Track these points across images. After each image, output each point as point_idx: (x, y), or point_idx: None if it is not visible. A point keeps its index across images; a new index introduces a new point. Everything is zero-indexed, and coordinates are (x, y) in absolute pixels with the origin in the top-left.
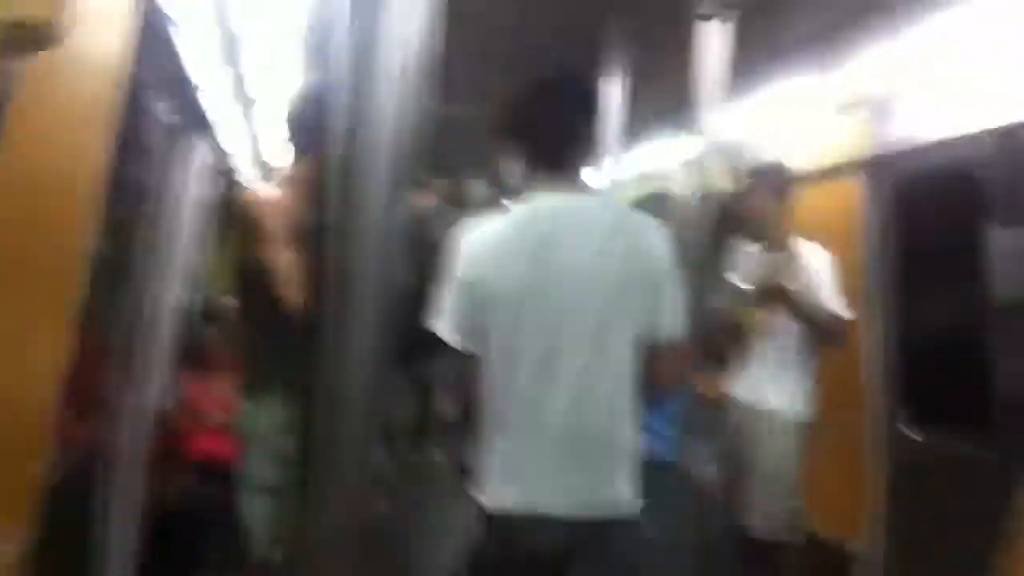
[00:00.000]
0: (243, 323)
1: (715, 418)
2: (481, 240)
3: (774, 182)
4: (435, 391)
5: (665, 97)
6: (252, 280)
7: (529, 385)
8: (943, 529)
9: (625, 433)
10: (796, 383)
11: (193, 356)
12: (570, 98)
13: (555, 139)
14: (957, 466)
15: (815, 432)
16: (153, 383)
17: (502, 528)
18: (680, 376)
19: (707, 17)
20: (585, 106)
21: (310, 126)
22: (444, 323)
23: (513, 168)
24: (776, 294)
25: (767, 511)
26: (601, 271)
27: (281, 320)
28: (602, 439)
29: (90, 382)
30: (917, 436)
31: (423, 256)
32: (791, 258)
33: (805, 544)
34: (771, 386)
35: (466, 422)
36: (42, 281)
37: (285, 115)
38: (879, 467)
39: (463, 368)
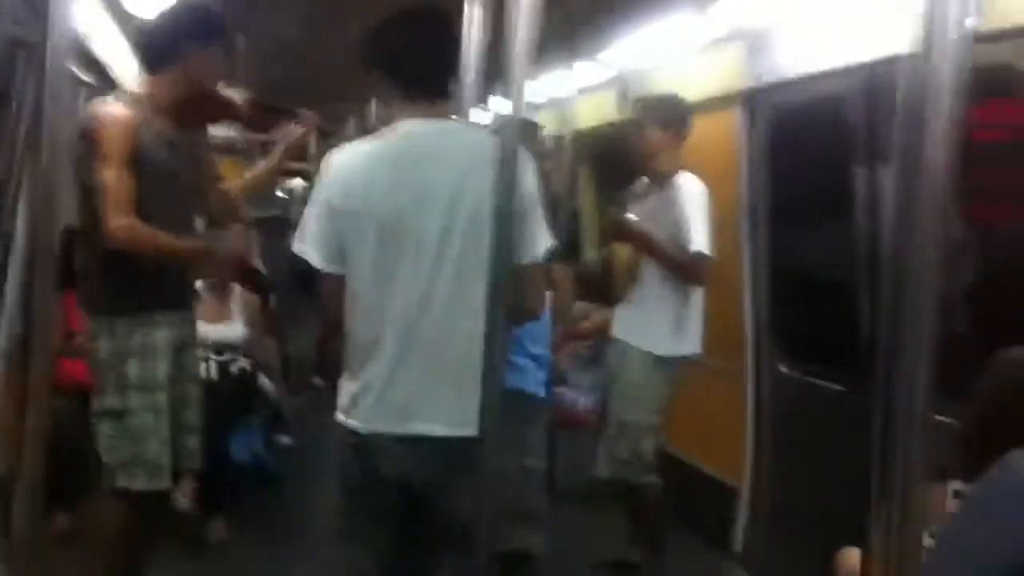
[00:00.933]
0: (81, 244)
1: (598, 353)
2: (346, 163)
3: (664, 116)
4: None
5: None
6: (86, 199)
7: (399, 307)
8: (816, 464)
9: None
10: (671, 321)
11: (64, 276)
12: (434, 28)
13: (422, 67)
14: (828, 402)
15: (697, 370)
16: (12, 304)
17: (374, 449)
18: (539, 299)
19: None
20: (448, 36)
21: (162, 45)
22: (310, 246)
23: (382, 97)
24: (619, 230)
25: (611, 452)
26: (466, 194)
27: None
28: (471, 360)
29: None
30: (791, 372)
31: None
32: (666, 191)
33: (658, 488)
34: (642, 325)
35: (326, 344)
36: None
37: (140, 31)
38: (756, 404)
39: (326, 291)
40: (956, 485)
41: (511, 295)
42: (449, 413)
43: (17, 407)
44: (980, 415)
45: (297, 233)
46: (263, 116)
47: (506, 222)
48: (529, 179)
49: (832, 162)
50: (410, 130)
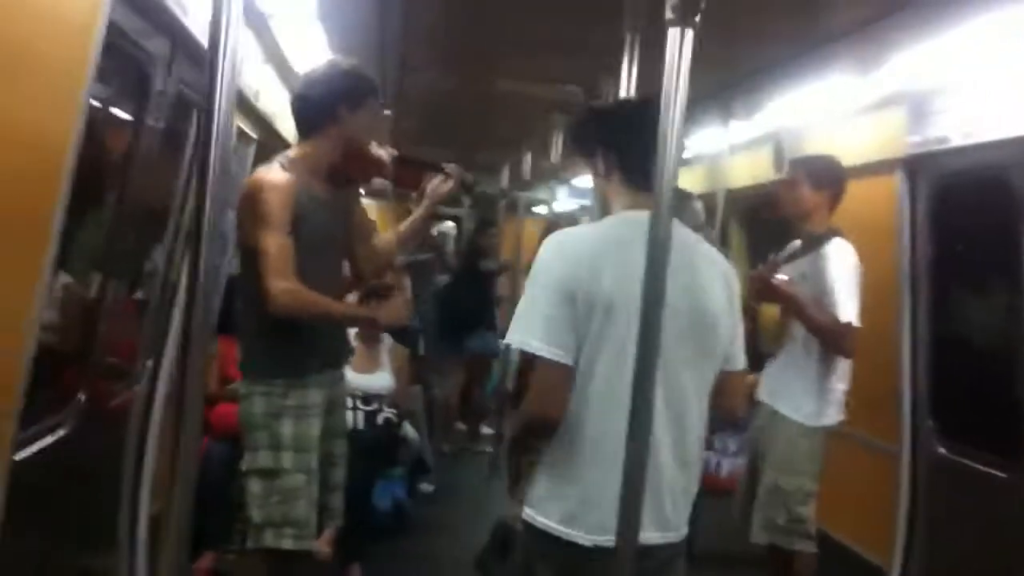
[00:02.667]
0: (243, 303)
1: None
2: (582, 248)
3: (818, 176)
4: (486, 369)
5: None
6: (249, 260)
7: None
8: (969, 549)
9: (699, 462)
10: (815, 387)
11: (224, 322)
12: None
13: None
14: (989, 489)
15: (844, 439)
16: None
17: (598, 562)
18: (745, 404)
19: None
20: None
21: (315, 109)
22: (536, 333)
23: (592, 178)
24: (765, 287)
25: (766, 517)
26: (695, 297)
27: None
28: (684, 467)
29: (113, 342)
30: (946, 450)
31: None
32: (816, 255)
33: (814, 554)
34: (786, 389)
35: (527, 435)
36: (9, 235)
37: (293, 96)
38: (912, 484)
39: (542, 381)
40: None
41: (715, 399)
42: (664, 517)
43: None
44: None
45: (515, 322)
46: (411, 171)
47: (658, 318)
48: (736, 285)
49: (999, 232)
50: (637, 219)
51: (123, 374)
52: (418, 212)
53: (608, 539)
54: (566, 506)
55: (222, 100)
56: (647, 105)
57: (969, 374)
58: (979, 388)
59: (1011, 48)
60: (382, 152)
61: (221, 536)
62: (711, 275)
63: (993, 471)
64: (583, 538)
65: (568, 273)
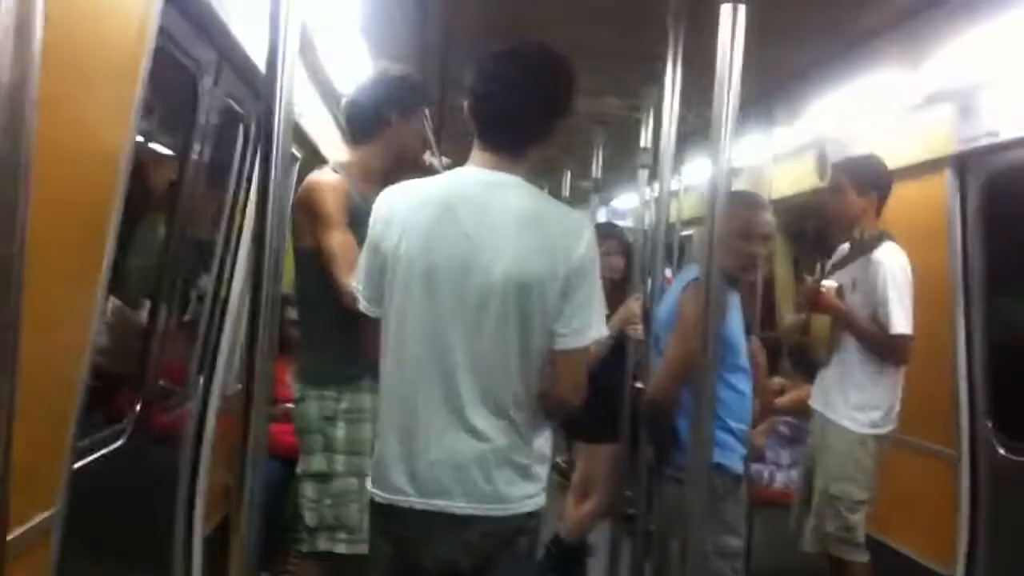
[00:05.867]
0: (299, 308)
1: (797, 428)
2: (394, 202)
3: (861, 178)
4: None
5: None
6: (306, 264)
7: (415, 366)
8: None
9: (527, 432)
10: (867, 395)
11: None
12: (516, 68)
13: (490, 109)
14: None
15: (901, 446)
16: (224, 365)
17: (391, 521)
18: (574, 391)
19: None
20: (536, 80)
21: (367, 115)
22: (360, 284)
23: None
24: (815, 300)
25: (818, 525)
26: (509, 259)
27: (332, 307)
28: (485, 434)
29: (160, 362)
30: (1007, 451)
31: None
32: (866, 260)
33: (866, 563)
34: (839, 397)
35: None
36: (65, 252)
37: (346, 102)
38: (972, 488)
39: (362, 330)
40: None
41: (544, 382)
42: (477, 488)
43: (228, 464)
44: None
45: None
46: None
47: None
48: (579, 259)
49: None
50: (464, 174)
51: (173, 393)
52: None
53: (399, 498)
54: (376, 463)
55: (280, 124)
56: (489, 60)
57: None
58: None
59: None
60: (435, 160)
61: (270, 557)
62: (533, 242)
63: None
64: (379, 496)
65: (375, 226)
